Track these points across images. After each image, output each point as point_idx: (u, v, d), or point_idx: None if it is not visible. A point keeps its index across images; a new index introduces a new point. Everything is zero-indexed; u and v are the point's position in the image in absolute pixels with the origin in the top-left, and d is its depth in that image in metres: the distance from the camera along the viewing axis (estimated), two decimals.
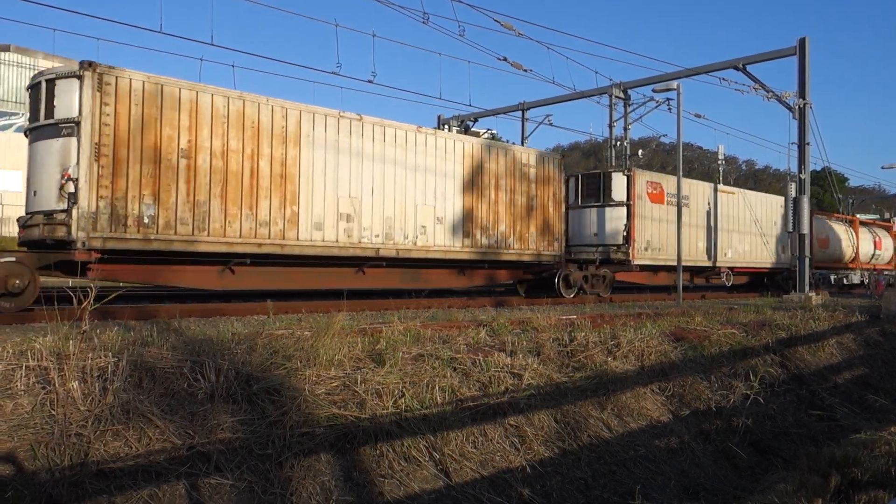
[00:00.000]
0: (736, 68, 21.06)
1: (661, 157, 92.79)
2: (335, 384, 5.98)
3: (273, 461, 5.06)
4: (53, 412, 4.69)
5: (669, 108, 25.05)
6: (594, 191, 20.27)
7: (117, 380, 4.96)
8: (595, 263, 19.32)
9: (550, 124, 28.62)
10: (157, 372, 5.25)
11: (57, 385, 4.83)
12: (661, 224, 20.65)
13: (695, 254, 21.91)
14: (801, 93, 19.77)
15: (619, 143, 26.44)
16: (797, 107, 19.79)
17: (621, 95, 25.80)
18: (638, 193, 19.87)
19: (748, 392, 9.09)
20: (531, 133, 29.76)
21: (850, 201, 47.49)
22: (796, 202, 19.85)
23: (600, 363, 8.26)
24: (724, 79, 21.49)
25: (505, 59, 20.03)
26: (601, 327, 9.45)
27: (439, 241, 15.21)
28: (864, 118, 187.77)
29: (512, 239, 16.76)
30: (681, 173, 18.54)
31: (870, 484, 5.86)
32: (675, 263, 19.79)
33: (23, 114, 32.15)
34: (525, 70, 20.74)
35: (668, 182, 20.97)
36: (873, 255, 33.40)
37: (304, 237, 12.94)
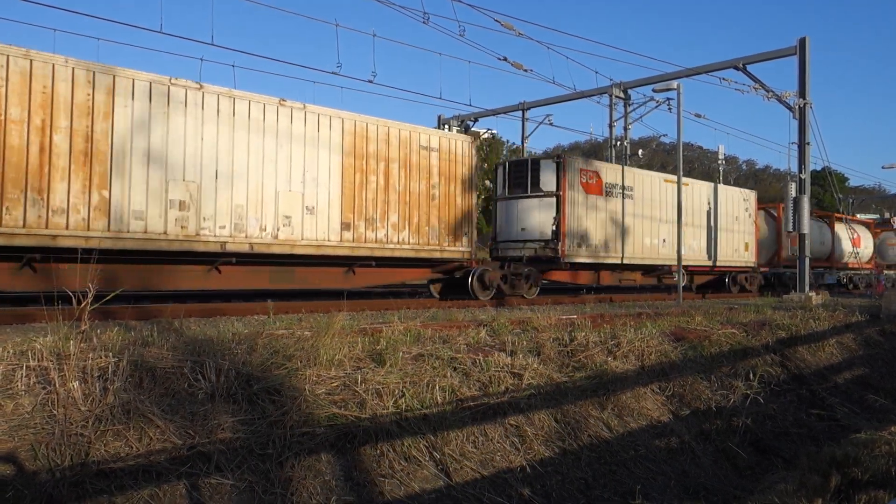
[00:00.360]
0: (736, 68, 21.06)
1: (662, 156, 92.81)
2: (335, 384, 5.98)
3: (274, 461, 5.06)
4: (54, 412, 4.69)
5: (669, 108, 25.10)
6: (522, 180, 18.12)
7: (118, 380, 4.96)
8: (522, 261, 17.43)
9: (551, 124, 28.67)
10: (158, 372, 5.25)
11: (57, 385, 4.83)
12: (599, 217, 18.55)
13: (640, 251, 19.87)
14: (802, 92, 19.77)
15: (619, 143, 26.46)
16: (797, 106, 19.79)
17: (621, 95, 25.83)
18: (570, 183, 17.72)
19: (748, 392, 9.09)
20: (531, 133, 29.81)
21: (851, 201, 47.49)
22: (797, 202, 19.86)
23: (600, 363, 8.26)
24: (724, 79, 21.52)
25: (505, 59, 20.05)
26: (601, 327, 9.45)
27: (309, 233, 13.07)
28: (864, 118, 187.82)
29: (407, 232, 14.51)
30: (681, 173, 18.53)
31: (870, 484, 5.86)
32: (617, 261, 18.83)
33: None
34: (525, 70, 20.76)
35: (608, 171, 19.23)
36: (851, 253, 31.71)
37: (117, 228, 10.79)
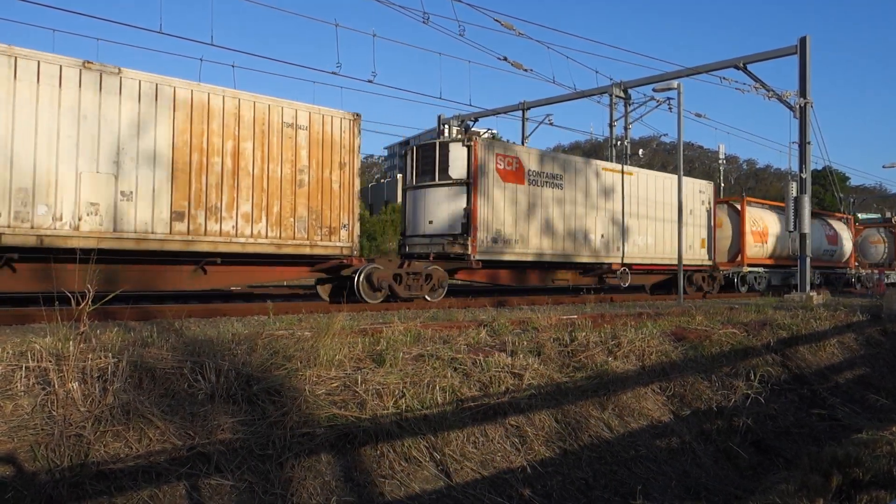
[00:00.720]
0: (737, 67, 21.06)
1: (662, 156, 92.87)
2: (335, 384, 5.97)
3: (274, 461, 5.05)
4: (53, 413, 4.68)
5: (670, 108, 25.07)
6: (430, 167, 15.90)
7: (117, 380, 4.96)
8: (429, 259, 15.48)
9: (551, 124, 28.66)
10: (158, 372, 5.25)
11: (57, 386, 4.82)
12: (521, 209, 16.41)
13: (573, 247, 17.89)
14: (802, 92, 19.76)
15: (619, 142, 26.44)
16: (798, 106, 19.78)
17: (622, 95, 25.81)
18: (482, 169, 15.65)
19: (749, 392, 9.08)
20: (532, 132, 29.80)
21: (852, 200, 47.46)
22: (797, 201, 19.84)
23: (601, 363, 8.25)
24: (724, 78, 21.54)
25: (505, 59, 20.07)
26: (602, 327, 9.44)
27: (126, 224, 10.85)
28: (865, 117, 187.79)
29: (264, 224, 12.28)
30: (681, 173, 18.51)
31: (871, 484, 5.85)
32: (540, 259, 16.94)
33: None
34: (525, 70, 20.77)
35: (531, 157, 17.08)
36: (825, 251, 29.24)
37: None
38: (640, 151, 43.21)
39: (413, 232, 16.42)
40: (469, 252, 15.27)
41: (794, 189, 20.05)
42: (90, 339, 5.49)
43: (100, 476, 4.42)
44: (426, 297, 14.59)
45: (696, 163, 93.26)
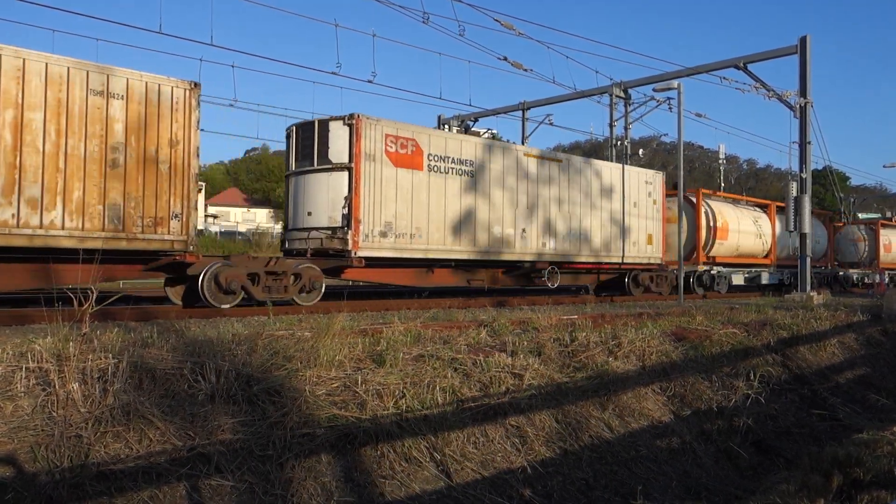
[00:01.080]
0: (737, 67, 21.07)
1: (662, 156, 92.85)
2: (336, 385, 5.97)
3: (274, 462, 5.05)
4: (53, 414, 4.68)
5: (670, 108, 25.05)
6: (309, 150, 13.89)
7: (117, 381, 4.96)
8: (307, 254, 13.53)
9: (551, 124, 28.67)
10: (158, 373, 5.25)
11: (57, 386, 4.82)
12: (420, 199, 14.32)
13: (487, 242, 15.59)
14: (803, 92, 19.76)
15: (619, 142, 26.43)
16: (798, 106, 19.78)
17: (622, 95, 25.80)
18: (368, 152, 13.48)
19: (749, 392, 9.08)
20: (532, 132, 29.80)
21: (852, 200, 47.46)
22: (798, 201, 19.84)
23: (601, 363, 8.25)
24: (724, 78, 21.53)
25: (505, 59, 20.06)
26: (602, 327, 9.45)
27: None
28: (865, 117, 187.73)
29: (60, 212, 9.99)
30: (682, 173, 18.48)
31: (872, 484, 5.85)
32: (440, 255, 14.70)
33: None
34: (525, 70, 20.77)
35: (432, 139, 14.77)
36: (796, 249, 25.57)
37: None
38: (641, 151, 43.17)
39: (294, 225, 14.29)
40: (350, 248, 13.18)
41: (794, 189, 20.05)
42: (91, 339, 5.50)
43: (100, 477, 4.42)
44: (294, 300, 12.43)
45: (697, 163, 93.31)
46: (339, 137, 13.56)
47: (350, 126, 13.46)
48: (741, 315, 12.50)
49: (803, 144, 19.84)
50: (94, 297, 5.67)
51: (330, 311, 9.82)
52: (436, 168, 14.69)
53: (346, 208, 13.34)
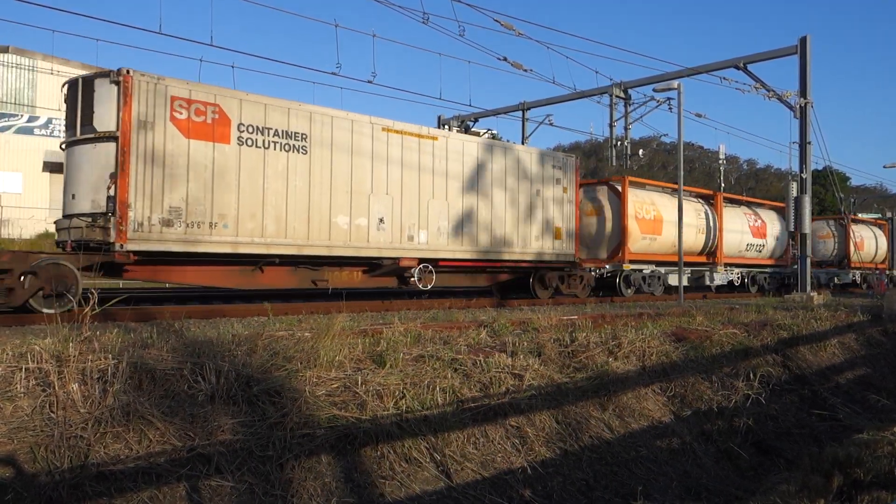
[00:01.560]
0: (737, 67, 21.06)
1: (662, 156, 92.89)
2: (336, 385, 5.97)
3: (274, 463, 5.05)
4: (53, 414, 4.68)
5: (670, 108, 25.00)
6: (73, 115, 10.97)
7: (117, 382, 4.95)
8: (65, 249, 10.84)
9: (551, 124, 28.67)
10: (158, 374, 5.24)
11: (57, 387, 4.82)
12: (223, 179, 11.50)
13: (328, 235, 12.89)
14: (803, 92, 19.75)
15: (619, 142, 26.40)
16: (798, 106, 19.78)
17: (622, 95, 25.77)
18: (140, 118, 10.64)
19: (750, 392, 9.08)
20: (532, 133, 29.78)
21: (852, 200, 47.41)
22: (798, 201, 19.84)
23: (601, 363, 8.25)
24: (724, 78, 21.50)
25: (505, 59, 20.02)
26: (602, 327, 9.44)
27: None
28: (865, 117, 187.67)
29: None
30: (682, 173, 18.47)
31: (872, 484, 5.84)
32: (256, 251, 11.89)
33: (21, 115, 32.39)
34: (525, 70, 20.73)
35: (245, 105, 11.90)
36: (751, 245, 24.40)
37: None
38: (641, 151, 43.21)
39: (63, 211, 11.28)
40: (113, 239, 10.37)
41: (794, 189, 20.05)
42: (91, 340, 5.49)
43: (100, 477, 4.41)
44: (33, 305, 9.78)
45: (697, 163, 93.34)
46: (105, 99, 10.65)
47: (118, 84, 10.54)
48: (741, 315, 12.50)
49: (803, 144, 19.83)
50: (96, 299, 5.66)
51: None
52: (249, 141, 11.88)
53: (112, 189, 10.47)
